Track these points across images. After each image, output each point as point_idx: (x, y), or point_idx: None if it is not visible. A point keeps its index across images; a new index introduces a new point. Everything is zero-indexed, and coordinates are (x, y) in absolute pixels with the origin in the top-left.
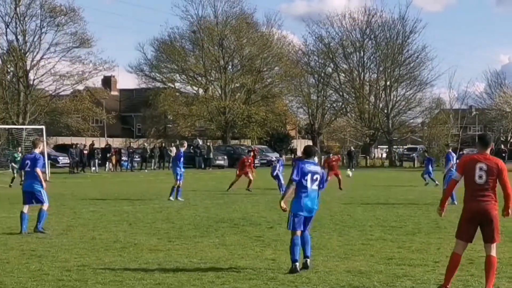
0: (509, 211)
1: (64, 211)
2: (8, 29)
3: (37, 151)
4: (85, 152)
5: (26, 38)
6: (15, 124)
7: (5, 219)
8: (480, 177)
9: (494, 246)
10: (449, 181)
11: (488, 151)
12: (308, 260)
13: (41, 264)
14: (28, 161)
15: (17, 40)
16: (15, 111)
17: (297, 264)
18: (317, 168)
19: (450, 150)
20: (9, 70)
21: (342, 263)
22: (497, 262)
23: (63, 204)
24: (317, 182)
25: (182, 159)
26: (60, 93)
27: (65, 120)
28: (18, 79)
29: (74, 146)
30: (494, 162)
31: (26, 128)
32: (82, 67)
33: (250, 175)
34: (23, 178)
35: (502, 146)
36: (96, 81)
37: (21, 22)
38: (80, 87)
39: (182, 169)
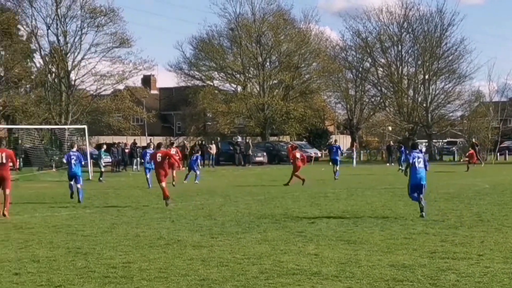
0: None
1: (108, 210)
2: (49, 31)
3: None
4: (127, 151)
5: (67, 39)
6: (58, 124)
7: (49, 217)
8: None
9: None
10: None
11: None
12: (423, 213)
13: (87, 261)
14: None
15: (59, 41)
16: (57, 111)
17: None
18: (421, 155)
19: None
20: (51, 71)
21: (385, 257)
22: None
23: (106, 203)
24: (422, 163)
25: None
26: (101, 93)
27: (107, 119)
28: (60, 79)
29: (116, 145)
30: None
31: (68, 128)
32: (122, 66)
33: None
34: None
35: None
36: (136, 80)
37: (62, 23)
38: (121, 86)
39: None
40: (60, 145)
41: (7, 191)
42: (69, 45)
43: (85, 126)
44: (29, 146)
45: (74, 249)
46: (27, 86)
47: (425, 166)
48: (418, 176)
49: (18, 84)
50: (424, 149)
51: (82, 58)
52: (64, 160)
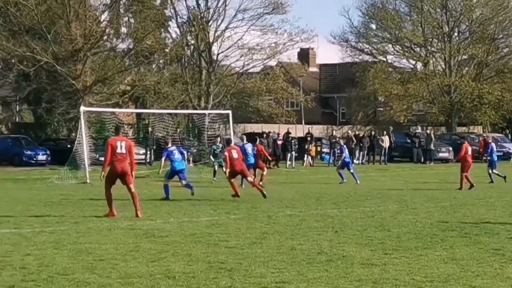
0: None
1: (257, 215)
2: None
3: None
4: (279, 142)
5: (209, 3)
6: (196, 109)
7: (186, 224)
8: None
9: None
10: None
11: None
12: None
13: (232, 279)
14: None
15: (198, 6)
16: (196, 92)
17: None
18: None
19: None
20: (189, 43)
21: None
22: None
23: (254, 207)
24: None
25: None
26: (249, 70)
27: (255, 103)
28: (199, 53)
29: (265, 135)
30: None
31: (209, 114)
32: (275, 37)
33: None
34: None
35: None
36: (291, 55)
37: None
38: (272, 62)
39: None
40: (199, 134)
41: (132, 188)
42: (211, 10)
43: (230, 111)
44: (161, 135)
45: (216, 263)
46: (160, 61)
47: None
48: None
49: (150, 59)
50: None
51: (227, 27)
52: (163, 159)
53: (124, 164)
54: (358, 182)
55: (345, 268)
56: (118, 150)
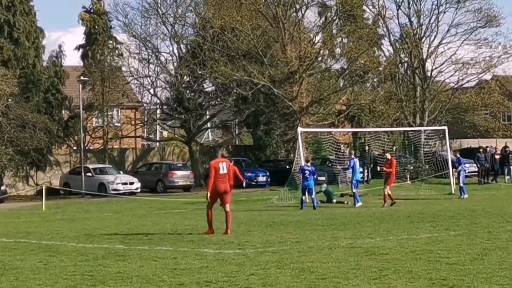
0: None
1: (477, 231)
2: (399, 11)
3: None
4: (497, 157)
5: (421, 20)
6: (412, 126)
7: (406, 241)
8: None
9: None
10: None
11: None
12: None
13: None
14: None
15: (411, 23)
16: (411, 109)
17: None
18: None
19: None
20: (402, 61)
21: None
22: None
23: (474, 223)
24: None
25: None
26: (463, 85)
27: (471, 118)
28: (413, 70)
29: (482, 150)
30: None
31: (425, 130)
32: (490, 51)
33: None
34: None
35: None
36: (506, 68)
37: (415, 0)
38: (488, 76)
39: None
40: (415, 151)
41: (227, 207)
42: (423, 27)
43: (445, 127)
44: (377, 153)
45: (438, 280)
46: (375, 80)
47: None
48: None
49: (364, 78)
50: None
51: (440, 43)
52: (300, 174)
53: (226, 185)
54: None
55: None
56: (221, 171)
